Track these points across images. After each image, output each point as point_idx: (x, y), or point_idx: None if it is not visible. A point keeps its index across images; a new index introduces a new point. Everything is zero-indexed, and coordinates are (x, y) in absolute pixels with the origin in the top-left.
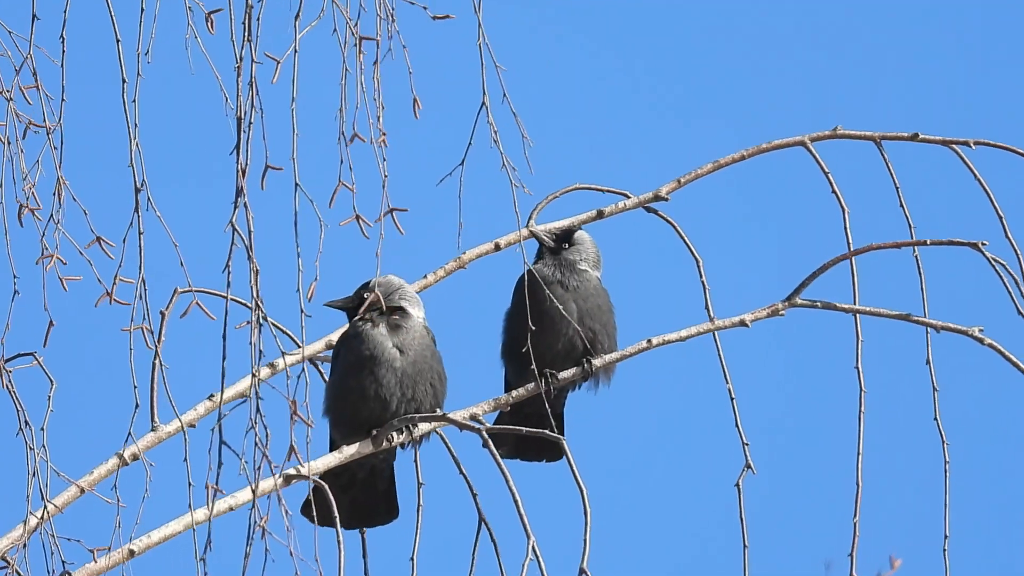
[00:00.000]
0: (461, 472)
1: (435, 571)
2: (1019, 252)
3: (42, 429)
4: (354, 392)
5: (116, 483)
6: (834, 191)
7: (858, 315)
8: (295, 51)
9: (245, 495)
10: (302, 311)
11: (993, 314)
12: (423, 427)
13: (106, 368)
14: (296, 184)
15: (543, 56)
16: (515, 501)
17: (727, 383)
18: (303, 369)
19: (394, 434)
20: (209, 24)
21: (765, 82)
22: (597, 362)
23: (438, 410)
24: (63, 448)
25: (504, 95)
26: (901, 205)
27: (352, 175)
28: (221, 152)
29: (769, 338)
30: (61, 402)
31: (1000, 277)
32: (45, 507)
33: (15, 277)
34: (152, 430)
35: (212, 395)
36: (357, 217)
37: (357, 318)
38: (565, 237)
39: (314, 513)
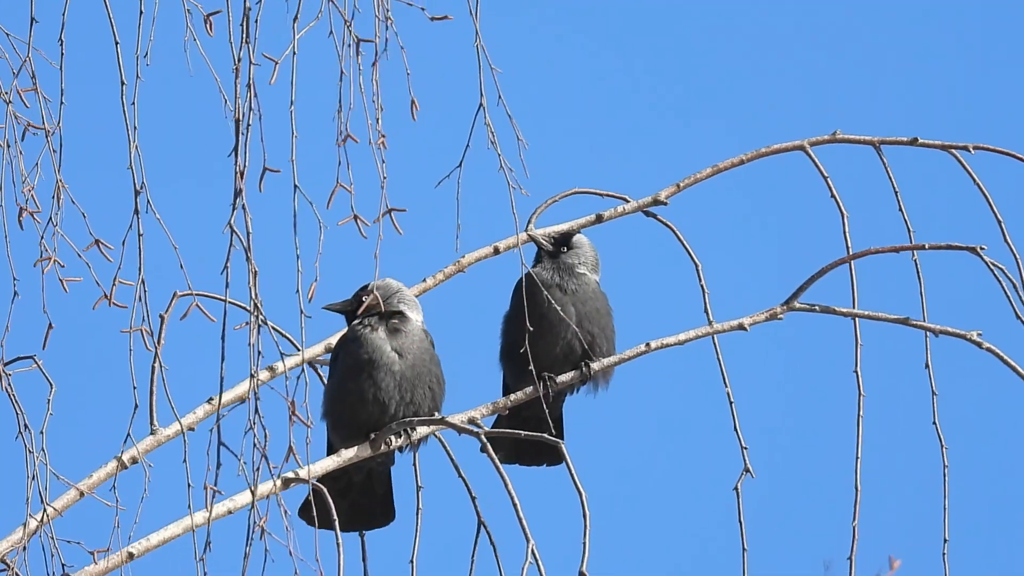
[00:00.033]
0: (460, 475)
1: (434, 574)
2: (1018, 257)
3: (42, 432)
4: (352, 395)
5: (115, 485)
6: (833, 195)
7: (857, 319)
8: (293, 53)
9: (243, 499)
10: (302, 312)
11: (992, 318)
12: (421, 430)
13: (106, 371)
14: (295, 186)
15: (542, 57)
16: (514, 504)
17: (726, 387)
18: (303, 371)
19: (392, 437)
20: (208, 26)
21: (765, 84)
22: (595, 366)
23: (436, 414)
24: (62, 451)
25: (499, 97)
26: (900, 209)
27: (351, 175)
28: (220, 154)
29: (768, 342)
30: (60, 405)
31: (999, 281)
32: (45, 510)
33: (15, 279)
34: (151, 433)
35: (211, 399)
36: (355, 217)
37: (356, 321)
38: (563, 241)
39: (314, 514)
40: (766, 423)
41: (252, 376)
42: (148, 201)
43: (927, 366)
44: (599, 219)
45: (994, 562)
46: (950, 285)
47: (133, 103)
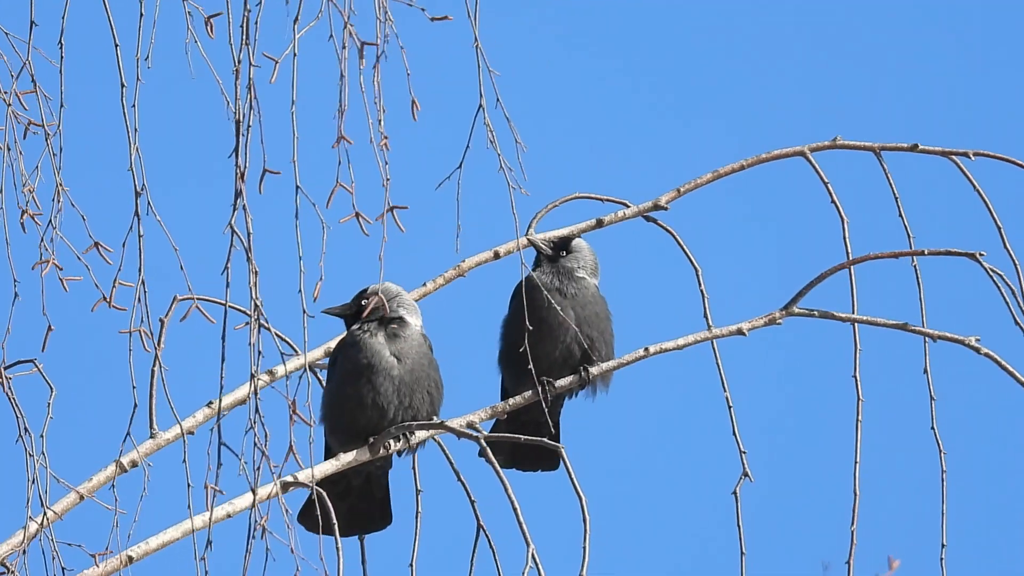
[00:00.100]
0: (459, 479)
1: None
2: (1017, 263)
3: (42, 436)
4: (351, 400)
5: (114, 486)
6: (833, 201)
7: (856, 324)
8: (294, 54)
9: (243, 502)
10: (304, 311)
11: (990, 324)
12: (420, 435)
13: (106, 374)
14: (297, 187)
15: (542, 58)
16: (514, 508)
17: (725, 391)
18: (304, 371)
19: (391, 441)
20: (208, 28)
21: (766, 89)
22: (594, 370)
23: (435, 418)
24: (62, 454)
25: (497, 99)
26: (900, 215)
27: (352, 175)
28: (220, 155)
29: (767, 347)
30: (60, 408)
31: (998, 287)
32: (45, 513)
33: (15, 282)
34: (151, 437)
35: (211, 402)
36: (357, 214)
37: (355, 325)
38: (563, 245)
39: (317, 514)
40: (765, 428)
41: (252, 376)
42: (149, 203)
43: (926, 371)
44: (600, 224)
45: (992, 567)
46: (949, 291)
47: (134, 105)
